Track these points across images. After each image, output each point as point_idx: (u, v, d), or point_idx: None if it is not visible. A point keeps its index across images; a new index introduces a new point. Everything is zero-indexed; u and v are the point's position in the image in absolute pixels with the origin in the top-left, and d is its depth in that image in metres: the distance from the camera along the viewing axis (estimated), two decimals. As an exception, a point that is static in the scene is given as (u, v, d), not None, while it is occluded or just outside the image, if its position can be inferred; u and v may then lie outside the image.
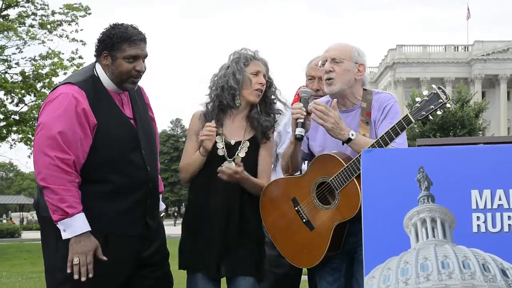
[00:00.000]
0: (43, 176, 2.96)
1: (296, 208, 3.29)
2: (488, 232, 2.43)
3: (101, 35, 3.14)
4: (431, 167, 2.52)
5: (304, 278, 4.14)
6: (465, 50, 62.45)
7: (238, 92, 3.42)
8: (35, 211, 3.35)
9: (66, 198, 2.95)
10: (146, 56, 3.16)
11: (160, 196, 3.49)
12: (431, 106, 2.96)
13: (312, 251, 3.23)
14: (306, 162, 3.56)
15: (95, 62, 3.22)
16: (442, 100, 2.95)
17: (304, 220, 3.25)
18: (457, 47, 63.06)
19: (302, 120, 3.21)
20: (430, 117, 2.98)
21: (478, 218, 2.45)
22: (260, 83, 3.42)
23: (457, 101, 37.08)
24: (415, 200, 2.51)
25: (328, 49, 3.41)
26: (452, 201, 2.48)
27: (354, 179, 3.01)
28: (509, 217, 2.42)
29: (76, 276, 2.96)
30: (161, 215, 3.53)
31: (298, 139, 3.22)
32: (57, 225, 2.99)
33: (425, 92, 3.03)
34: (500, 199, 2.44)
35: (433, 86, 3.04)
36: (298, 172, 3.51)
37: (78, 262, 2.97)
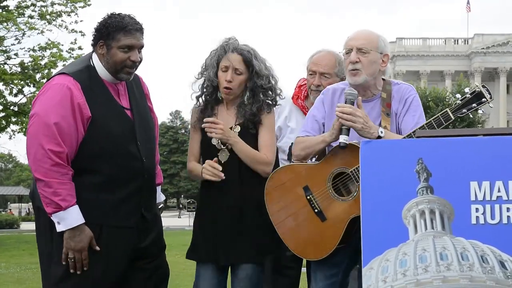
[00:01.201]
0: (36, 168, 2.94)
1: (308, 197, 3.15)
2: (487, 224, 2.42)
3: (98, 24, 3.10)
4: (430, 159, 2.50)
5: (303, 270, 4.13)
6: (465, 43, 62.38)
7: (212, 90, 3.44)
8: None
9: (60, 192, 2.92)
10: (142, 46, 3.11)
11: (159, 187, 3.47)
12: (473, 105, 2.92)
13: (320, 243, 3.12)
14: None
15: (92, 51, 3.18)
16: (486, 99, 2.92)
17: (316, 210, 3.12)
18: (457, 40, 63.00)
19: (347, 128, 3.07)
20: (470, 115, 2.96)
21: (477, 209, 2.43)
22: (226, 80, 3.35)
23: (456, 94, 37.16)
24: (414, 192, 2.49)
25: (354, 37, 3.26)
26: (451, 193, 2.46)
27: None
28: (508, 208, 2.40)
29: (71, 271, 2.97)
30: (160, 207, 3.51)
31: (342, 147, 3.06)
32: (51, 217, 2.97)
33: (467, 89, 2.98)
34: (499, 191, 2.42)
35: (477, 84, 3.01)
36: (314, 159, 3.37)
37: (73, 258, 2.97)
